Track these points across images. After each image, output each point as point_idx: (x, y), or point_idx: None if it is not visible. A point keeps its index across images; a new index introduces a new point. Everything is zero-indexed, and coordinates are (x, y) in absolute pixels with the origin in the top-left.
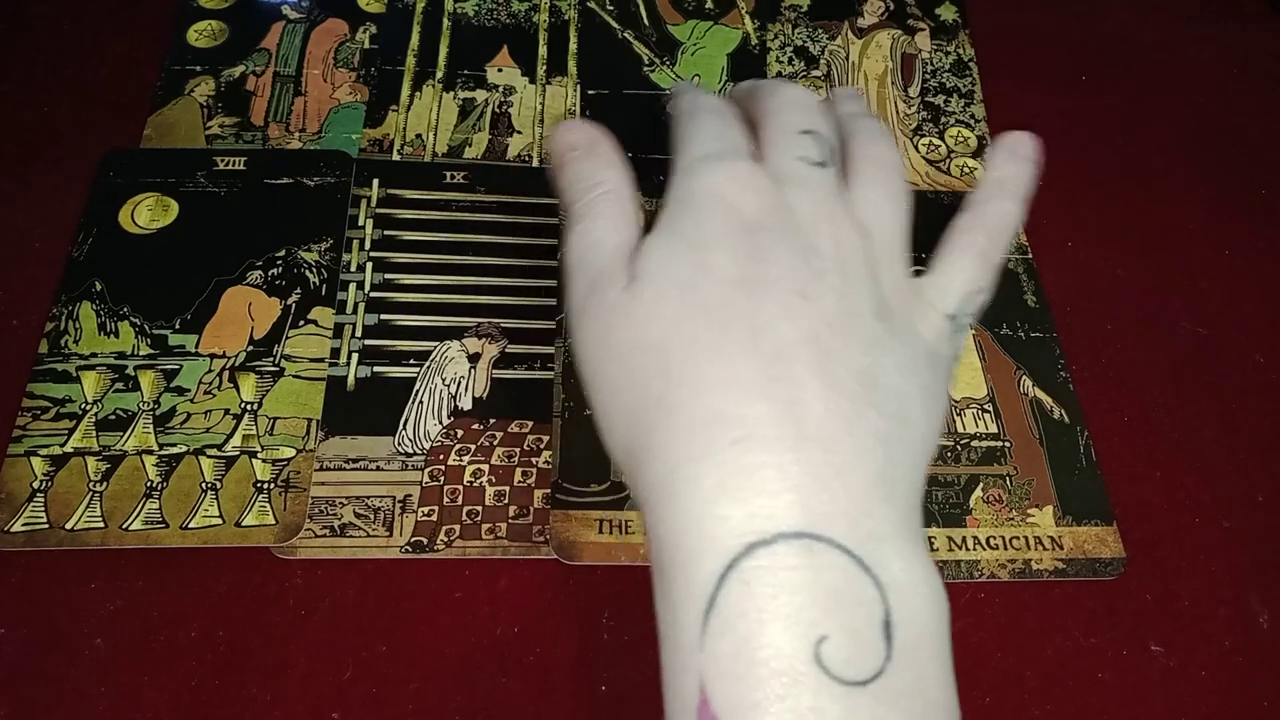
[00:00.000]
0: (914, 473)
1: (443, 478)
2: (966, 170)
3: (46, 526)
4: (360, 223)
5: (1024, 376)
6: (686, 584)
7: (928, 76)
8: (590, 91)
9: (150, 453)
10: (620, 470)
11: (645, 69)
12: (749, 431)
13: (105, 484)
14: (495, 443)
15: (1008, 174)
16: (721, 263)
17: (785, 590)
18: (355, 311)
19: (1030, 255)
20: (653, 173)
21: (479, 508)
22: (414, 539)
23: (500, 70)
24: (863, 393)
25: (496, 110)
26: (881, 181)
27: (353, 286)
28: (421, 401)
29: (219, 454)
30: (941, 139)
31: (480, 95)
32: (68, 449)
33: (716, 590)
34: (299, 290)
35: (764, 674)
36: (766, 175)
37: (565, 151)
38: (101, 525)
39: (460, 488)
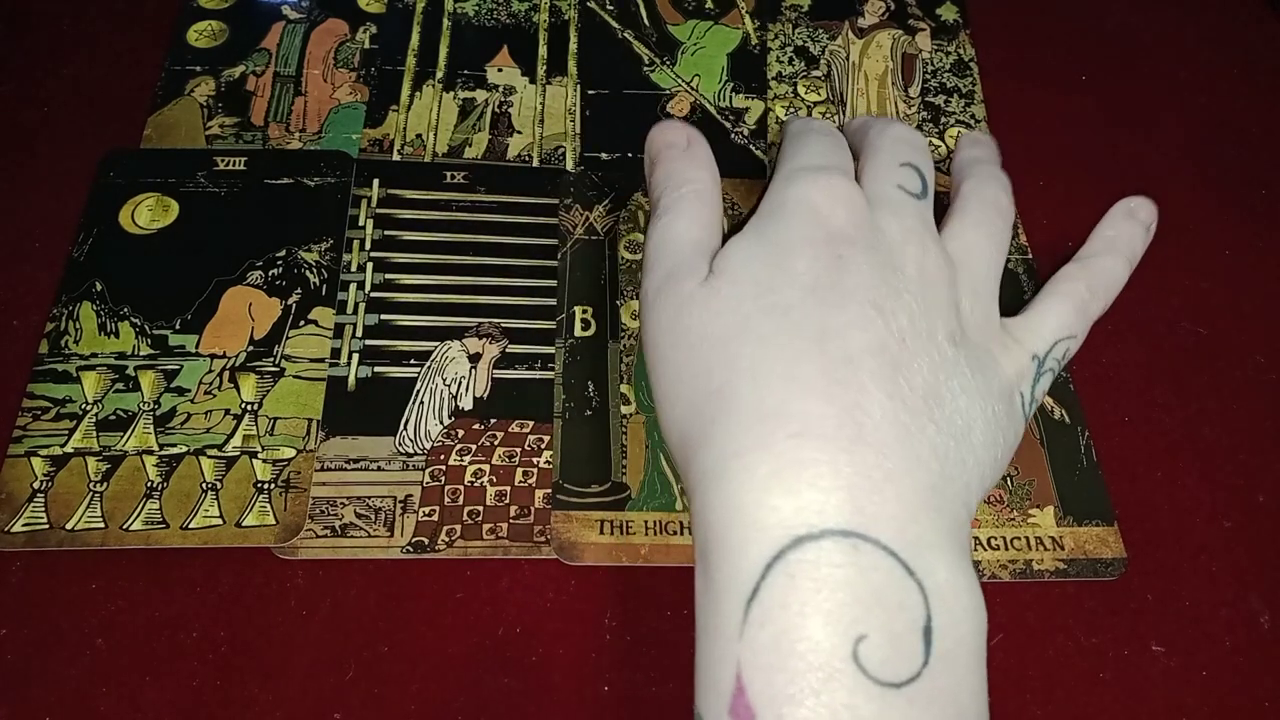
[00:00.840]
0: (967, 493)
1: (443, 478)
2: None
3: (47, 527)
4: (360, 223)
5: None
6: (732, 572)
7: (928, 76)
8: (590, 91)
9: (150, 453)
10: (672, 458)
11: (645, 69)
12: (807, 427)
13: (105, 484)
14: (496, 443)
15: (1121, 234)
16: (802, 268)
17: (828, 586)
18: (356, 312)
19: (1030, 255)
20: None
21: (480, 508)
22: (415, 539)
23: (500, 70)
24: (924, 408)
25: (496, 110)
26: (983, 221)
27: (353, 287)
28: (422, 402)
29: (219, 454)
30: (941, 139)
31: (480, 95)
32: (68, 449)
33: (761, 580)
34: (299, 290)
35: (801, 667)
36: (860, 194)
37: (663, 149)
38: (102, 525)
39: (461, 488)
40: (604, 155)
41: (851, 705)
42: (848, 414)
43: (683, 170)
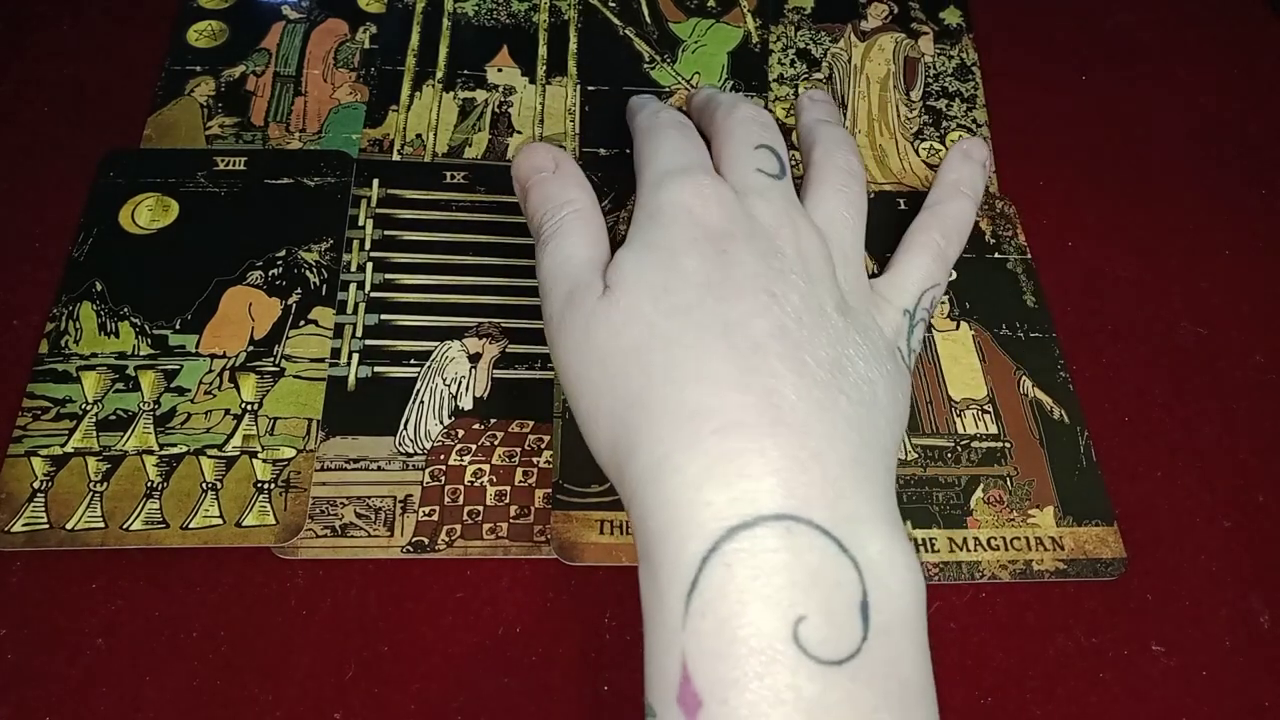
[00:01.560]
0: (886, 457)
1: (443, 478)
2: None
3: (47, 526)
4: (360, 223)
5: (1024, 377)
6: (671, 567)
7: (930, 80)
8: (590, 88)
9: (150, 453)
10: (607, 473)
11: (646, 66)
12: (729, 419)
13: (105, 484)
14: (496, 443)
15: (963, 176)
16: (692, 268)
17: (765, 571)
18: (356, 311)
19: (1030, 255)
20: None
21: (480, 508)
22: (415, 539)
23: (500, 70)
24: (832, 380)
25: (496, 110)
26: (841, 188)
27: (353, 286)
28: (422, 401)
29: (219, 454)
30: (943, 143)
31: (480, 95)
32: (68, 449)
33: (699, 572)
34: (299, 290)
35: (743, 652)
36: (728, 187)
37: (531, 175)
38: (102, 525)
39: (461, 488)
40: (603, 151)
41: (794, 685)
42: (765, 399)
43: (558, 193)
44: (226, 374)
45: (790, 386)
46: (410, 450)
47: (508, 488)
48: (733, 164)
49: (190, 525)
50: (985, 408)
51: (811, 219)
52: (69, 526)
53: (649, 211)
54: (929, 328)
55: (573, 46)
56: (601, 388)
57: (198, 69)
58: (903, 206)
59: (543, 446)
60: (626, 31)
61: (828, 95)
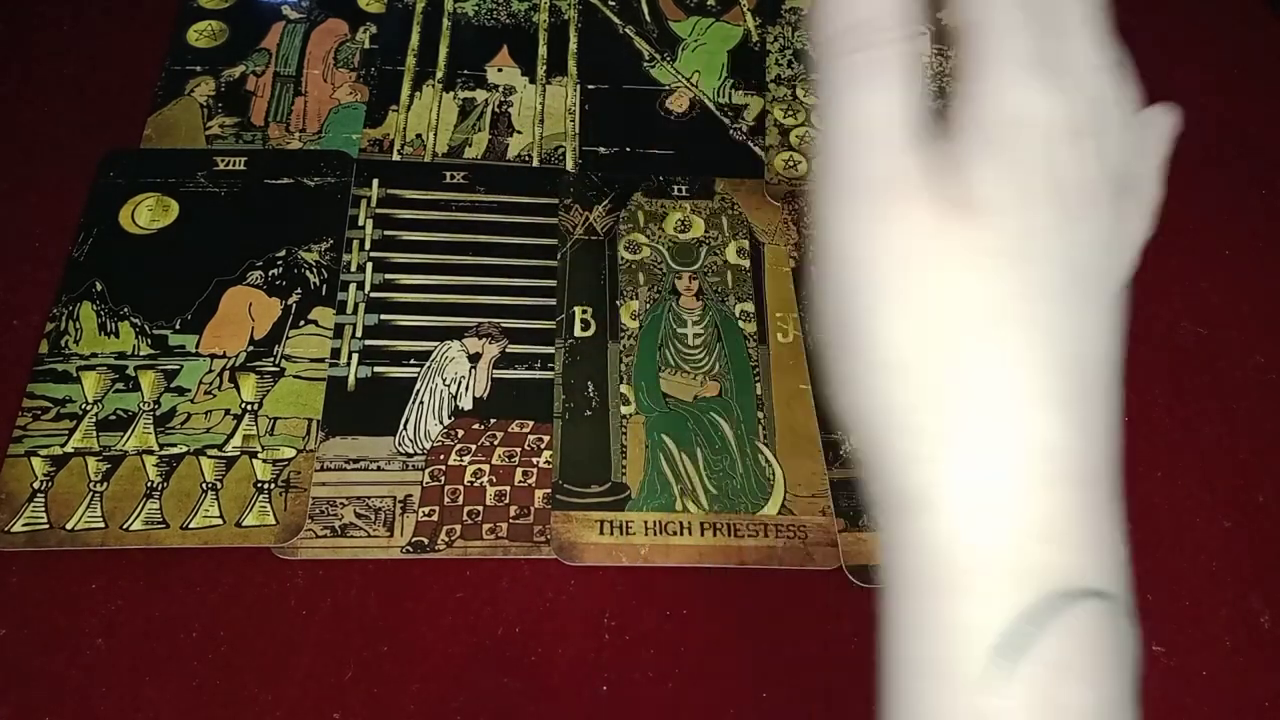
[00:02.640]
0: None
1: (443, 478)
2: None
3: (47, 526)
4: (360, 223)
5: None
6: None
7: (927, 81)
8: (590, 86)
9: (150, 453)
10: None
11: (645, 64)
12: None
13: (105, 484)
14: (496, 443)
15: None
16: None
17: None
18: (355, 312)
19: None
20: (650, 170)
21: (479, 508)
22: (415, 539)
23: (500, 70)
24: None
25: (496, 110)
26: None
27: (353, 287)
28: (422, 401)
29: (219, 454)
30: None
31: (480, 95)
32: (68, 449)
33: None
34: (299, 290)
35: None
36: None
37: None
38: (102, 525)
39: (461, 488)
40: (602, 150)
41: None
42: None
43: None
44: (226, 374)
45: None
46: (410, 450)
47: (507, 488)
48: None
49: (190, 525)
50: None
51: None
52: (69, 526)
53: None
54: None
55: (573, 46)
56: None
57: (198, 69)
58: None
59: (543, 447)
60: (627, 30)
61: None
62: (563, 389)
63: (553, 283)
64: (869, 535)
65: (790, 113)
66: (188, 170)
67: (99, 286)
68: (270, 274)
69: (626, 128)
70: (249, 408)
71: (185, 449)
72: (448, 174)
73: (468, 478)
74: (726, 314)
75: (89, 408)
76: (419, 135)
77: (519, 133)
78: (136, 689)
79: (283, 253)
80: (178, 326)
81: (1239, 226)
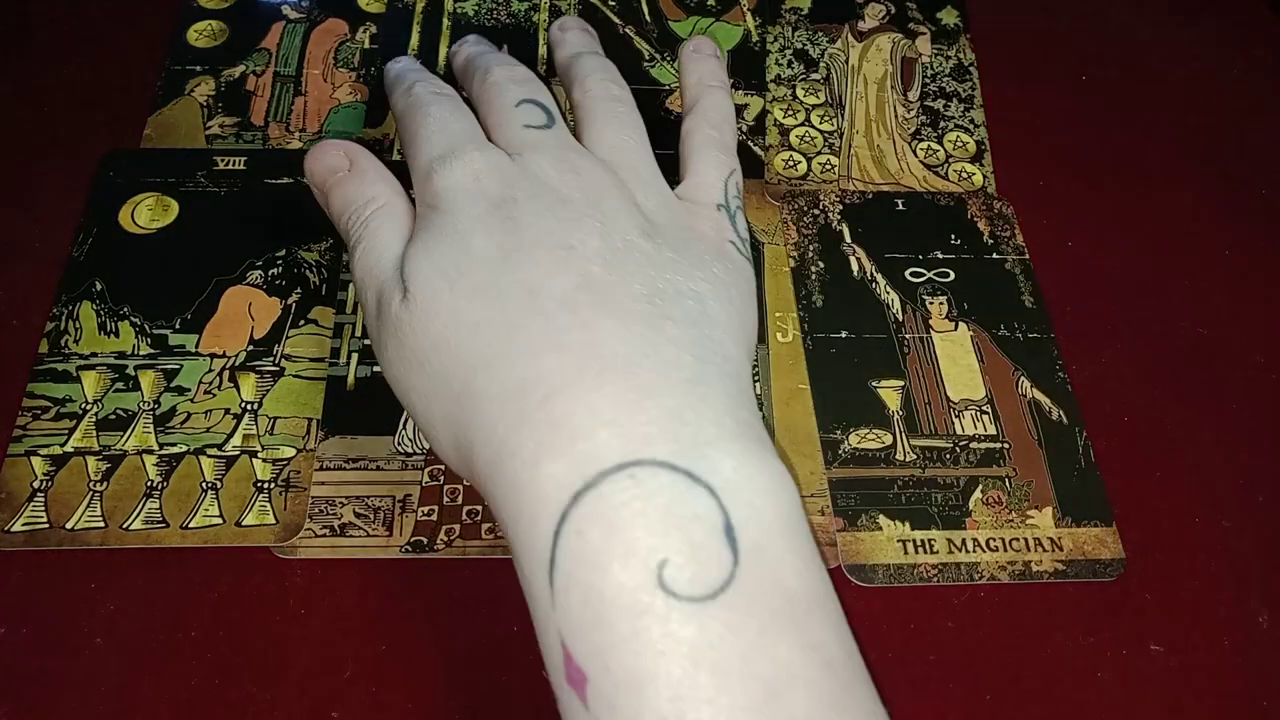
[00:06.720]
0: (728, 365)
1: (442, 477)
2: (965, 175)
3: (46, 526)
4: None
5: (1022, 378)
6: (530, 550)
7: (927, 81)
8: None
9: (150, 452)
10: (461, 475)
11: (645, 64)
12: (551, 386)
13: (105, 484)
14: None
15: (704, 72)
16: (481, 245)
17: (617, 527)
18: (355, 311)
19: (1028, 255)
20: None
21: (479, 507)
22: (414, 539)
23: None
24: (652, 309)
25: None
26: (612, 116)
27: (352, 286)
28: None
29: (219, 454)
30: (940, 144)
31: None
32: (68, 449)
33: (554, 547)
34: (299, 290)
35: (613, 614)
36: (499, 153)
37: (327, 176)
38: (102, 525)
39: (460, 487)
40: None
41: (669, 634)
42: (583, 354)
43: (357, 192)
44: (226, 373)
45: (608, 332)
46: (409, 450)
47: None
48: (500, 128)
49: (190, 525)
50: (984, 409)
51: (594, 155)
52: (69, 526)
53: (428, 202)
54: (927, 329)
55: None
56: (428, 391)
57: (198, 69)
58: (901, 207)
59: None
60: (626, 30)
61: (579, 21)
62: None
63: None
64: (867, 534)
65: (790, 113)
66: (188, 170)
67: (99, 286)
68: (270, 274)
69: None
70: (249, 407)
71: (185, 448)
72: None
73: None
74: None
75: (89, 407)
76: None
77: None
78: (136, 689)
79: (283, 252)
80: (178, 326)
81: (1239, 226)
